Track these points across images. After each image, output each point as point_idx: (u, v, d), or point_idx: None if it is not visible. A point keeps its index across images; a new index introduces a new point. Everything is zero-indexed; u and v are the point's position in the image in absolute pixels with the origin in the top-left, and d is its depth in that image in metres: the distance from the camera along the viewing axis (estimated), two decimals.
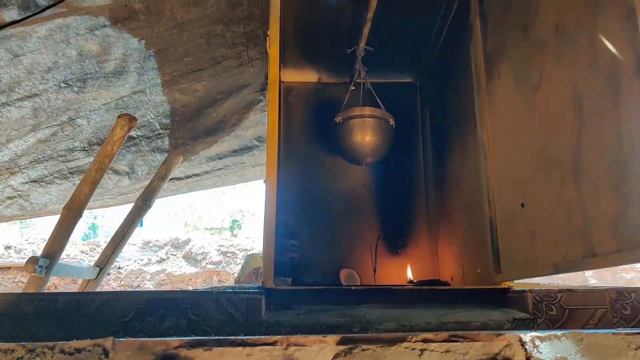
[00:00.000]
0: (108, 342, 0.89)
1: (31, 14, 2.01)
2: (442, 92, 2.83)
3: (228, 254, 11.64)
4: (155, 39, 2.60)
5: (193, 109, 3.20)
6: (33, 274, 2.04)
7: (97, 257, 2.78)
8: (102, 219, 15.15)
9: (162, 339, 0.92)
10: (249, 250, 11.17)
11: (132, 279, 9.97)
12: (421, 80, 3.20)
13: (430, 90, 3.09)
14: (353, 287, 2.08)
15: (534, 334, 1.01)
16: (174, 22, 2.48)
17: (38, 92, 2.47)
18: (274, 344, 0.89)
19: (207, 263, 10.47)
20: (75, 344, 0.89)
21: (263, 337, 0.92)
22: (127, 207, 3.21)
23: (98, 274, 2.55)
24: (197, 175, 4.06)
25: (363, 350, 0.93)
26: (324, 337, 0.93)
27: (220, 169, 4.04)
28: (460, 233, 2.54)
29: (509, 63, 2.07)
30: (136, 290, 9.20)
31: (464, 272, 2.48)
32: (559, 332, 1.02)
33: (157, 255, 11.54)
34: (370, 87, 2.77)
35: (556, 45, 1.76)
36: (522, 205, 1.91)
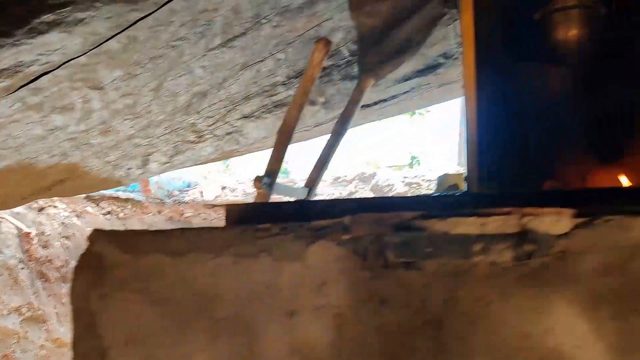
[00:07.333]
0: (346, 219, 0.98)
1: None
2: None
3: (413, 185, 11.85)
4: None
5: (379, 31, 3.22)
6: (260, 190, 2.36)
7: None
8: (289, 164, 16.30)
9: (397, 212, 0.97)
10: (432, 180, 11.24)
11: None
12: None
13: None
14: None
15: None
16: None
17: (244, 31, 2.76)
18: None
19: (393, 195, 10.83)
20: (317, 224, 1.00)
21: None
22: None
23: (308, 194, 2.81)
24: (384, 100, 4.12)
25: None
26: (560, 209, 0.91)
27: (406, 92, 4.04)
28: None
29: None
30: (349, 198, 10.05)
31: None
32: None
33: (347, 190, 12.25)
34: None
35: None
36: None
